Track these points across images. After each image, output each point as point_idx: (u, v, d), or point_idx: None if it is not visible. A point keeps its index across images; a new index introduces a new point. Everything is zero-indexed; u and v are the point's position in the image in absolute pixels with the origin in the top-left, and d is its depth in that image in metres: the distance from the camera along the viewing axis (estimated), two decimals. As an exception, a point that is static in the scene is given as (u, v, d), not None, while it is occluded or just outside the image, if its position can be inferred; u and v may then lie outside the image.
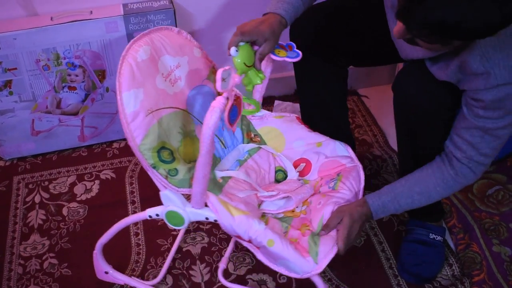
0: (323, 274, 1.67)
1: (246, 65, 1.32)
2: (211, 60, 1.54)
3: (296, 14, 1.44)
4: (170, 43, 1.43)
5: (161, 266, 1.71)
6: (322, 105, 1.73)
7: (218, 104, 1.18)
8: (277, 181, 1.58)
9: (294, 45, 1.45)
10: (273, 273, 1.67)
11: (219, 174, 1.50)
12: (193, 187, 1.29)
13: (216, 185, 1.46)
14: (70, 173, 2.07)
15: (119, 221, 1.52)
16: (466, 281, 1.63)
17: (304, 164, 1.57)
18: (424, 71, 1.39)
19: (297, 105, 2.34)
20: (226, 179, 1.51)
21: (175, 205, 1.37)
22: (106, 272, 1.66)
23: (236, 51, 1.29)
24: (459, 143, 1.35)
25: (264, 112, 1.64)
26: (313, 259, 1.30)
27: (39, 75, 1.98)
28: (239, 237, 1.34)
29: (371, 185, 1.95)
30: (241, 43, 1.32)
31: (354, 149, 1.92)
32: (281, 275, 1.67)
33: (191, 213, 1.37)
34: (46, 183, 2.03)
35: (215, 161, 1.53)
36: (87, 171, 2.07)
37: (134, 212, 1.88)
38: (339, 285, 1.64)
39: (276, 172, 1.58)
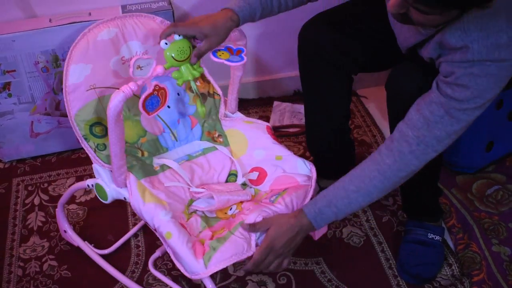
0: (322, 275, 1.67)
1: (176, 59, 1.32)
2: None
3: (252, 14, 1.40)
4: (144, 30, 1.49)
5: (160, 267, 1.70)
6: (326, 110, 1.72)
7: (125, 88, 1.22)
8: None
9: (244, 50, 1.44)
10: (272, 275, 1.67)
11: (156, 161, 1.52)
12: (112, 164, 1.36)
13: (144, 170, 1.48)
14: (69, 175, 2.07)
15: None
16: (466, 281, 1.63)
17: (258, 173, 1.55)
18: (417, 69, 1.39)
19: (296, 106, 2.34)
20: (164, 168, 1.53)
21: (102, 180, 1.44)
22: (65, 231, 1.76)
23: (166, 43, 1.30)
24: (413, 119, 1.27)
25: (238, 115, 1.63)
26: (204, 263, 1.29)
27: (38, 77, 1.98)
28: (147, 224, 1.37)
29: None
30: (177, 37, 1.32)
31: (353, 152, 1.93)
32: (280, 276, 1.67)
33: (114, 190, 1.44)
34: (46, 185, 2.03)
35: (160, 150, 1.56)
36: (86, 173, 2.07)
37: (134, 213, 1.88)
38: (338, 286, 1.64)
39: (229, 175, 1.57)
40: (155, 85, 1.32)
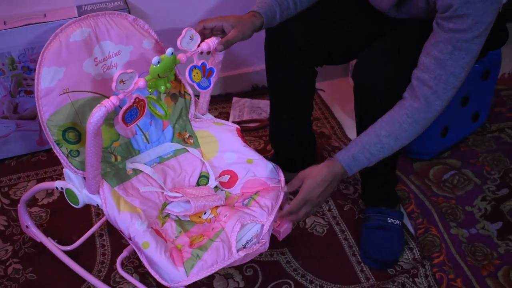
0: (288, 265, 1.69)
1: (159, 76, 1.32)
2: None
3: (272, 12, 1.47)
4: (117, 29, 1.47)
5: (127, 266, 1.71)
6: (292, 103, 1.75)
7: (106, 103, 1.22)
8: (198, 185, 1.57)
9: (214, 71, 1.46)
10: (239, 267, 1.69)
11: (129, 165, 1.52)
12: (86, 173, 1.35)
13: (117, 176, 1.48)
14: (30, 178, 2.05)
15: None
16: (427, 264, 1.68)
17: (229, 176, 1.56)
18: (383, 58, 1.43)
19: (255, 101, 2.36)
20: (137, 171, 1.52)
21: (73, 185, 1.43)
22: (27, 226, 1.77)
23: (158, 62, 1.29)
24: (426, 63, 1.32)
25: (208, 116, 1.65)
26: (185, 271, 1.30)
27: (-6, 80, 1.96)
28: (122, 232, 1.37)
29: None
30: (169, 54, 1.31)
31: (314, 145, 1.97)
32: (247, 267, 1.69)
33: (86, 196, 1.43)
34: (6, 189, 2.01)
35: (133, 152, 1.56)
36: (48, 175, 2.05)
37: (97, 213, 1.87)
38: (304, 275, 1.67)
39: (200, 177, 1.58)
40: (136, 98, 1.30)
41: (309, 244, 1.77)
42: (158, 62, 1.29)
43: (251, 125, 2.26)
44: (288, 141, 1.84)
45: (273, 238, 1.68)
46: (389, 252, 1.69)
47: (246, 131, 2.23)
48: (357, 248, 1.74)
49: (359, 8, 1.63)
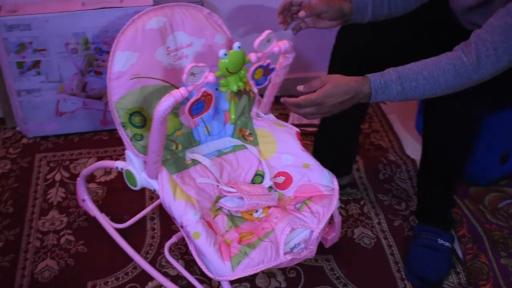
0: (331, 272, 1.69)
1: (228, 71, 1.34)
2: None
3: (363, 3, 1.46)
4: (192, 21, 1.50)
5: (174, 251, 1.74)
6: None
7: (175, 93, 1.25)
8: (253, 183, 1.58)
9: (274, 70, 1.48)
10: (282, 268, 1.70)
11: (188, 155, 1.55)
12: (147, 157, 1.37)
13: (176, 164, 1.50)
14: (91, 155, 2.12)
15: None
16: (472, 290, 1.66)
17: (285, 178, 1.56)
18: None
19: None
20: (195, 162, 1.55)
21: (133, 167, 1.46)
22: (83, 200, 1.83)
23: (225, 54, 1.31)
24: (494, 26, 1.26)
25: (270, 116, 1.66)
26: (231, 266, 1.32)
27: (67, 57, 2.02)
28: (174, 220, 1.40)
29: (384, 189, 1.98)
30: (236, 48, 1.33)
31: (355, 154, 1.97)
32: (290, 269, 1.70)
33: (144, 179, 1.46)
34: (67, 162, 2.07)
35: (193, 143, 1.59)
36: (107, 154, 2.11)
37: (151, 197, 1.92)
38: (346, 284, 1.67)
39: (255, 175, 1.59)
40: (204, 92, 1.33)
41: (355, 254, 1.76)
42: (225, 55, 1.31)
43: (309, 129, 2.26)
44: (332, 144, 1.83)
45: (319, 244, 1.69)
46: (435, 272, 1.67)
47: (304, 135, 2.22)
48: (403, 265, 1.73)
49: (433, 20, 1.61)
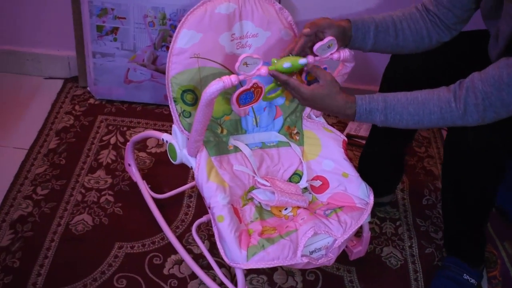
0: (350, 284, 1.68)
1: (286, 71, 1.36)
2: None
3: (364, 26, 1.44)
4: (261, 13, 1.51)
5: (203, 231, 1.78)
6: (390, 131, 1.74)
7: (225, 79, 1.28)
8: (290, 181, 1.59)
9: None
10: (302, 269, 1.70)
11: (232, 141, 1.58)
12: (190, 135, 1.41)
13: (218, 147, 1.54)
14: (148, 126, 2.18)
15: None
16: (490, 333, 1.61)
17: (321, 182, 1.57)
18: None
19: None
20: (237, 149, 1.58)
21: (177, 142, 1.51)
22: (129, 165, 1.90)
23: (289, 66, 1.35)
24: (489, 75, 1.25)
25: (321, 119, 1.66)
26: (246, 255, 1.34)
27: (144, 29, 2.09)
28: (204, 200, 1.43)
29: (424, 215, 1.94)
30: (302, 63, 1.36)
31: (400, 176, 1.94)
32: (310, 272, 1.70)
33: (184, 156, 1.51)
34: (125, 128, 2.15)
35: (239, 130, 1.62)
36: (164, 128, 2.18)
37: (193, 176, 1.96)
38: (362, 298, 1.66)
39: (293, 174, 1.60)
40: (254, 83, 1.36)
41: (378, 272, 1.74)
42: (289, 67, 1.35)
43: (363, 141, 2.25)
44: (375, 164, 1.81)
45: (345, 254, 1.69)
46: (454, 306, 1.63)
47: (357, 146, 2.22)
48: (424, 292, 1.70)
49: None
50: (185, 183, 1.92)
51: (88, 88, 2.30)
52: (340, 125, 2.30)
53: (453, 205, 1.59)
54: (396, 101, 1.33)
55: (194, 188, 1.92)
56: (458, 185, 1.52)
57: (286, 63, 1.35)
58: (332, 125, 1.67)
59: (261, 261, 1.35)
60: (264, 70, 1.34)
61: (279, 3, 2.01)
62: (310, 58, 1.39)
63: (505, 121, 1.32)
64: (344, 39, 1.43)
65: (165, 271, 1.67)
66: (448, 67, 1.44)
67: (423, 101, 1.32)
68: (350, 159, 1.60)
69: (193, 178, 1.96)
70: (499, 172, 1.46)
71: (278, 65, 1.35)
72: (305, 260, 1.38)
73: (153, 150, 2.07)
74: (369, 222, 1.82)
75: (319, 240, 1.42)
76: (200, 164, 1.46)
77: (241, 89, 1.35)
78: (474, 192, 1.50)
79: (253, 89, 1.37)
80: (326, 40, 1.37)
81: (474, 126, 1.33)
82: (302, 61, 1.36)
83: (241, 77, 1.32)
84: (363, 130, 2.31)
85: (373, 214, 1.90)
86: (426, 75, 1.43)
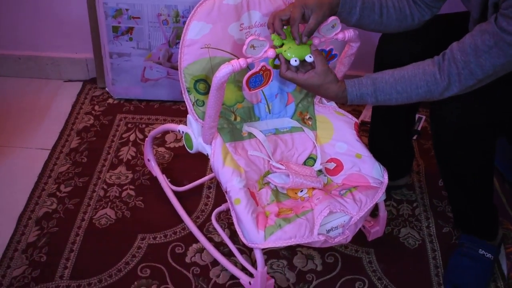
0: (369, 265, 1.68)
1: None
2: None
3: (350, 2, 1.44)
4: (268, 2, 1.53)
5: (222, 220, 1.80)
6: (392, 116, 1.73)
7: (234, 62, 1.30)
8: (305, 164, 1.60)
9: (337, 56, 1.50)
10: (321, 252, 1.71)
11: (246, 128, 1.59)
12: (204, 122, 1.43)
13: (232, 134, 1.55)
14: (166, 122, 2.21)
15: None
16: (510, 308, 1.60)
17: (335, 164, 1.58)
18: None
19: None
20: (251, 136, 1.59)
21: (192, 131, 1.53)
22: (148, 160, 1.92)
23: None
24: (466, 44, 1.29)
25: (332, 104, 1.67)
26: (264, 235, 1.35)
27: (158, 28, 2.12)
28: (221, 185, 1.45)
29: (440, 195, 1.93)
30: (308, 59, 1.37)
31: (412, 158, 1.93)
32: (329, 254, 1.71)
33: (200, 144, 1.53)
34: (144, 125, 2.18)
35: (253, 118, 1.63)
36: (182, 123, 2.18)
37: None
38: (381, 278, 1.66)
39: (308, 158, 1.61)
40: (262, 66, 1.37)
41: (396, 252, 1.74)
42: (310, 57, 1.36)
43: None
44: (383, 148, 1.80)
45: (363, 236, 1.70)
46: (472, 282, 1.62)
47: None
48: (443, 271, 1.69)
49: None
50: (204, 175, 1.94)
51: (106, 89, 2.33)
52: (355, 113, 2.29)
53: (453, 184, 1.59)
54: (384, 83, 1.37)
55: (213, 180, 1.93)
56: (452, 164, 1.52)
57: (293, 59, 1.37)
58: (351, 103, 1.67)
59: (278, 240, 1.36)
60: (271, 52, 1.36)
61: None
62: (316, 40, 1.40)
63: (487, 97, 1.35)
64: (330, 13, 1.43)
65: (187, 260, 1.69)
66: (434, 48, 1.44)
67: (410, 78, 1.35)
68: (364, 143, 1.61)
69: (211, 170, 1.97)
70: (490, 146, 1.46)
71: (285, 54, 1.37)
72: (322, 238, 1.38)
73: (172, 145, 2.09)
74: (386, 204, 1.83)
75: (335, 218, 1.43)
76: (216, 150, 1.48)
77: (250, 72, 1.37)
78: (469, 169, 1.50)
79: (261, 71, 1.38)
80: (329, 20, 1.38)
81: (457, 105, 1.37)
82: (308, 58, 1.37)
83: (249, 60, 1.34)
84: (378, 117, 2.30)
85: (389, 196, 1.90)
86: (413, 58, 1.45)
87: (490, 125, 1.39)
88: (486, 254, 1.64)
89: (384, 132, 1.79)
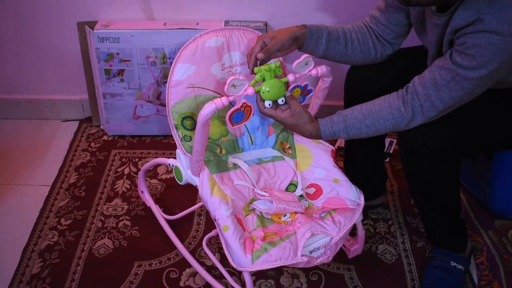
0: (350, 281, 1.70)
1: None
2: (286, 73, 1.60)
3: (318, 32, 1.48)
4: (247, 43, 1.56)
5: (213, 245, 1.81)
6: (365, 143, 1.75)
7: (217, 101, 1.34)
8: (287, 191, 1.62)
9: (312, 92, 1.54)
10: (306, 271, 1.72)
11: (231, 159, 1.61)
12: (192, 156, 1.45)
13: (218, 166, 1.57)
14: (157, 155, 2.22)
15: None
16: (481, 314, 1.61)
17: (315, 189, 1.60)
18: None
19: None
20: (236, 166, 1.61)
21: (181, 164, 1.55)
22: (142, 192, 1.93)
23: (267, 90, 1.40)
24: (426, 79, 1.33)
25: None
26: (251, 259, 1.36)
27: (147, 69, 2.15)
28: (209, 213, 1.46)
29: (413, 213, 1.96)
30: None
31: (385, 179, 1.94)
32: (313, 273, 1.72)
33: (189, 176, 1.55)
34: (137, 159, 2.19)
35: (237, 149, 1.65)
36: (172, 156, 2.21)
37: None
38: (362, 292, 1.67)
39: (289, 184, 1.62)
40: (243, 103, 1.41)
41: (375, 268, 1.76)
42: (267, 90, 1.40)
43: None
44: (357, 171, 1.83)
45: (344, 254, 1.71)
46: (446, 292, 1.64)
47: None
48: (418, 283, 1.71)
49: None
50: (194, 204, 1.95)
51: (101, 126, 2.35)
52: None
53: (422, 201, 1.61)
54: (353, 119, 1.42)
55: (203, 208, 1.94)
56: (420, 183, 1.55)
57: (267, 103, 1.42)
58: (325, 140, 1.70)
59: (265, 263, 1.37)
60: (251, 90, 1.38)
61: (266, 31, 2.07)
62: (291, 77, 1.43)
63: (448, 123, 1.39)
64: (297, 43, 1.47)
65: (182, 283, 1.69)
66: (399, 79, 1.49)
67: (377, 112, 1.40)
68: (341, 168, 1.63)
69: (200, 198, 1.98)
70: (454, 165, 1.49)
71: (262, 92, 1.40)
72: (305, 259, 1.40)
73: (163, 177, 2.10)
74: (364, 224, 1.85)
75: (317, 240, 1.44)
76: (203, 182, 1.49)
77: (232, 109, 1.39)
78: (436, 187, 1.53)
79: (243, 108, 1.41)
80: (302, 58, 1.42)
81: (419, 132, 1.41)
82: (280, 102, 1.43)
83: (230, 98, 1.37)
84: (353, 142, 2.33)
85: (366, 215, 1.92)
86: (379, 87, 1.49)
87: (453, 148, 1.43)
88: (458, 266, 1.66)
89: (358, 157, 1.82)
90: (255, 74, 1.40)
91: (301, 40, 1.47)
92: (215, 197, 1.47)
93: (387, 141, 2.24)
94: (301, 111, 1.42)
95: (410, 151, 1.48)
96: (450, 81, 1.29)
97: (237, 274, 1.69)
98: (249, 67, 1.43)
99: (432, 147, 1.41)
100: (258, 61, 1.42)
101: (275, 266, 1.38)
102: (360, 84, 1.63)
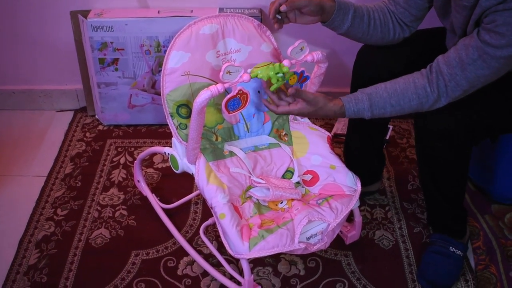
0: (348, 267, 1.69)
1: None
2: (280, 60, 1.57)
3: (345, 7, 1.46)
4: (242, 30, 1.53)
5: (210, 233, 1.79)
6: (367, 127, 1.72)
7: (213, 88, 1.31)
8: (283, 178, 1.60)
9: (309, 78, 1.51)
10: (303, 257, 1.71)
11: (227, 147, 1.59)
12: (187, 144, 1.43)
13: (214, 153, 1.55)
14: (153, 144, 2.20)
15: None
16: (479, 298, 1.60)
17: (312, 176, 1.58)
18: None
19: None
20: (232, 154, 1.59)
21: (177, 153, 1.53)
22: (138, 181, 1.91)
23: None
24: (451, 58, 1.30)
25: (306, 120, 1.68)
26: (249, 246, 1.35)
27: (141, 57, 2.12)
28: (206, 201, 1.44)
29: (410, 199, 1.94)
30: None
31: (382, 165, 1.94)
32: (311, 259, 1.71)
33: (185, 164, 1.53)
34: (132, 149, 2.17)
35: (233, 137, 1.63)
36: (168, 145, 2.19)
37: (198, 185, 1.98)
38: (360, 278, 1.66)
39: (286, 171, 1.61)
40: (239, 90, 1.38)
41: (372, 253, 1.75)
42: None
43: (350, 139, 2.25)
44: (356, 157, 1.82)
45: (341, 240, 1.70)
46: (444, 277, 1.63)
47: (343, 143, 2.22)
48: (416, 268, 1.70)
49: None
50: (191, 192, 1.93)
51: (96, 116, 2.32)
52: (327, 126, 2.31)
53: (430, 185, 1.60)
54: (378, 97, 1.37)
55: (199, 196, 1.92)
56: (432, 167, 1.54)
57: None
58: (320, 126, 1.68)
59: (262, 250, 1.36)
60: (246, 77, 1.36)
61: (261, 18, 2.04)
62: (286, 62, 1.41)
63: (465, 106, 1.37)
64: (323, 15, 1.44)
65: (179, 272, 1.67)
66: (409, 63, 1.46)
67: (402, 92, 1.36)
68: (338, 154, 1.61)
69: (197, 187, 1.97)
70: (467, 151, 1.48)
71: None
72: (302, 245, 1.38)
73: (160, 166, 2.08)
74: (361, 210, 1.84)
75: (314, 226, 1.43)
76: (200, 170, 1.47)
77: (228, 96, 1.37)
78: (447, 171, 1.52)
79: (239, 95, 1.38)
80: (296, 43, 1.39)
81: (438, 115, 1.38)
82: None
83: (226, 85, 1.35)
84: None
85: (363, 202, 1.91)
86: (390, 71, 1.46)
87: (468, 132, 1.41)
88: (457, 251, 1.65)
89: (359, 142, 1.80)
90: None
91: (328, 12, 1.45)
92: (211, 185, 1.45)
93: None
94: (315, 97, 1.39)
95: (425, 135, 1.46)
96: (477, 59, 1.26)
97: (234, 262, 1.68)
98: (269, 15, 1.42)
99: (448, 130, 1.40)
100: (275, 24, 1.42)
101: (272, 253, 1.37)
102: (369, 69, 1.60)
